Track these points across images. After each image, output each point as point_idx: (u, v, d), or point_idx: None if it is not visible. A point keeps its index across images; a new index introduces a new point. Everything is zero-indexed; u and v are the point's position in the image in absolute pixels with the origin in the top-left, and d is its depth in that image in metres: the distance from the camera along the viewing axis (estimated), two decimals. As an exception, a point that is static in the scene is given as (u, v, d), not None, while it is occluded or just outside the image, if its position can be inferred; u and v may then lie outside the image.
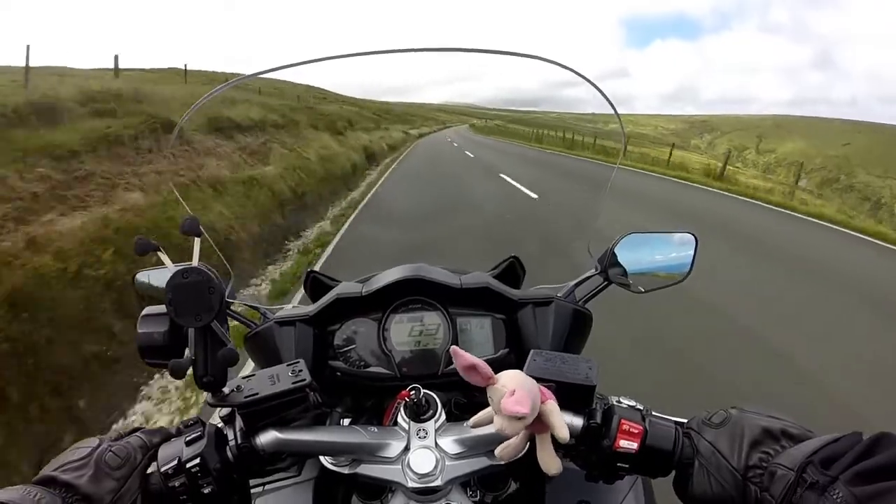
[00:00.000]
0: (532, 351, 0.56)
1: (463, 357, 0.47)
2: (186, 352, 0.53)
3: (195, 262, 0.52)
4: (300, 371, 0.56)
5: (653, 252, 0.81)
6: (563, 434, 0.48)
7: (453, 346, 0.49)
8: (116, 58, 10.86)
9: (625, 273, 0.78)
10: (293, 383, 0.54)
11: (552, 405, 0.49)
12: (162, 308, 0.62)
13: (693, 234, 0.81)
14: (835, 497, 0.38)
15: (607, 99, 0.69)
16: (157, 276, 0.78)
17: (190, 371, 0.51)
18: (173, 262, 0.53)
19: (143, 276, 0.79)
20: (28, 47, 8.07)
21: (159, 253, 0.53)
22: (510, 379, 0.48)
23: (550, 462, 0.49)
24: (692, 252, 0.80)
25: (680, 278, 0.80)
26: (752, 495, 0.45)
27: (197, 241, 0.52)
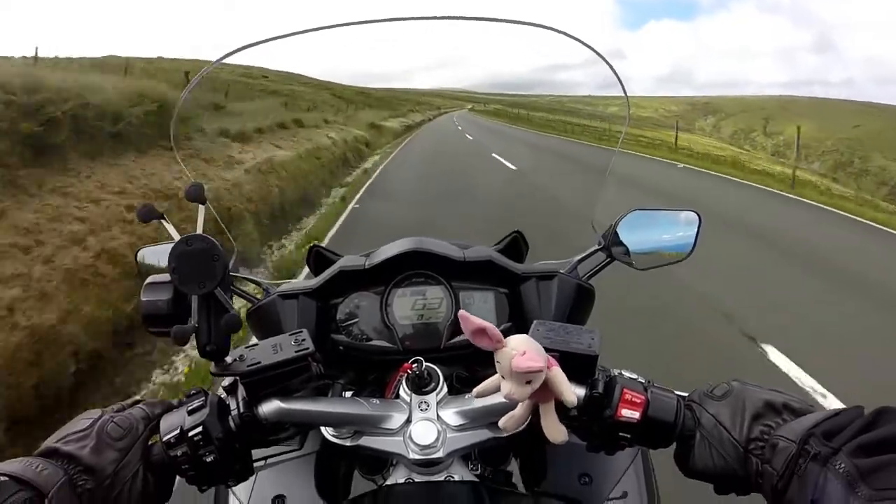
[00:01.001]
0: (535, 321, 0.56)
1: (472, 321, 0.47)
2: (190, 320, 0.52)
3: (199, 229, 0.51)
4: (303, 340, 0.56)
5: (656, 229, 0.80)
6: (571, 398, 0.48)
7: (461, 311, 0.48)
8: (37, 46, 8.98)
9: (627, 250, 0.78)
10: (296, 352, 0.54)
11: (557, 371, 0.49)
12: (166, 277, 0.61)
13: (696, 213, 0.80)
14: (837, 468, 0.39)
15: (615, 72, 0.68)
16: (160, 252, 0.77)
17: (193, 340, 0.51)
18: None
19: (144, 252, 0.79)
20: None
21: (163, 221, 0.52)
22: (519, 342, 0.48)
23: (556, 430, 0.49)
24: (695, 230, 0.80)
25: (682, 256, 0.81)
26: (753, 467, 0.45)
27: (201, 208, 0.52)
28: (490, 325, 0.47)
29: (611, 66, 0.67)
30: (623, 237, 0.77)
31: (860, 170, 35.54)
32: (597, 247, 0.79)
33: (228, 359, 0.53)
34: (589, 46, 0.63)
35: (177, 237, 0.50)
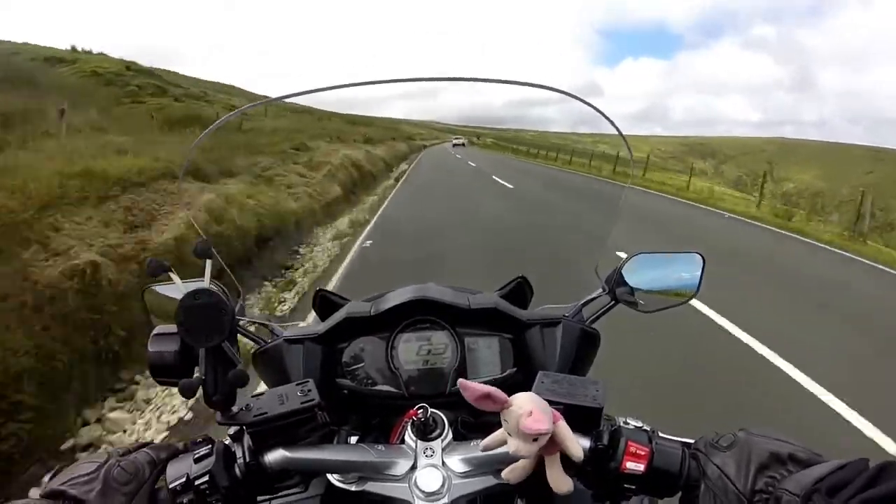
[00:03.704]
0: (539, 373, 0.56)
1: (473, 388, 0.48)
2: (196, 371, 0.53)
3: (207, 282, 0.52)
4: (309, 391, 0.56)
5: (660, 272, 0.81)
6: (578, 453, 0.49)
7: (461, 381, 0.49)
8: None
9: (632, 292, 0.78)
10: (302, 403, 0.55)
11: (563, 425, 0.49)
12: (173, 327, 0.61)
13: (700, 254, 0.81)
14: None
15: (613, 124, 0.71)
16: (167, 292, 0.77)
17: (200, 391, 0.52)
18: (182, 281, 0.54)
19: (151, 292, 0.79)
20: None
21: (171, 274, 0.53)
22: (525, 400, 0.48)
23: (561, 481, 0.50)
24: (699, 272, 0.80)
25: (687, 297, 0.81)
26: None
27: (208, 263, 0.53)
28: (493, 389, 0.48)
29: (619, 131, 0.72)
30: (628, 280, 0.78)
31: (883, 223, 31.05)
32: (601, 291, 0.80)
33: (235, 408, 0.54)
34: (602, 113, 0.68)
35: (183, 288, 0.52)
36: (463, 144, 60.61)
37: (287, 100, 0.68)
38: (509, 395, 0.49)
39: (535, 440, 0.47)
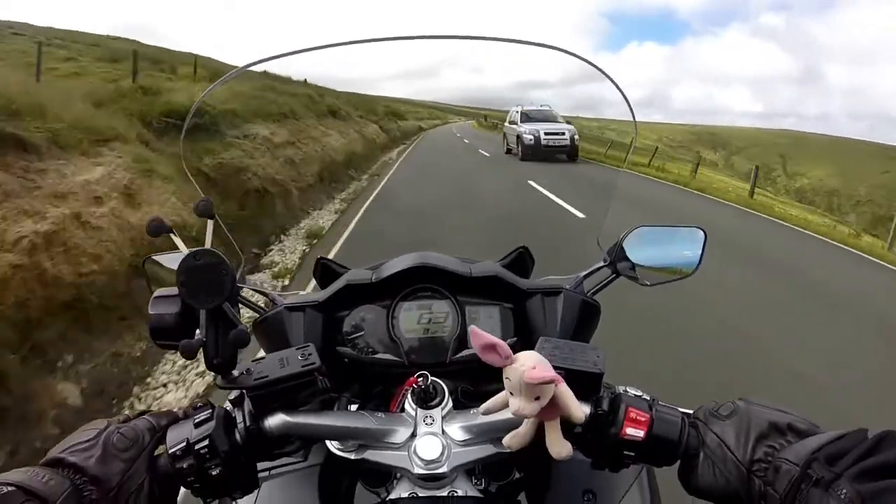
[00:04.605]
0: (540, 338, 0.56)
1: (482, 336, 0.48)
2: (197, 333, 0.52)
3: (208, 244, 0.52)
4: (310, 355, 0.56)
5: (662, 246, 0.80)
6: (579, 415, 0.49)
7: (472, 327, 0.49)
8: None
9: (633, 266, 0.78)
10: (303, 366, 0.54)
11: (565, 388, 0.49)
12: (174, 290, 0.61)
13: (702, 229, 0.80)
14: (839, 493, 0.39)
15: (626, 98, 0.70)
16: (168, 262, 0.76)
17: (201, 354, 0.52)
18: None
19: (153, 262, 0.78)
20: None
21: (172, 235, 0.53)
22: (528, 358, 0.48)
23: (560, 446, 0.50)
24: (701, 247, 0.80)
25: (688, 272, 0.80)
26: (756, 489, 0.45)
27: (210, 223, 0.53)
28: (500, 342, 0.48)
29: (624, 95, 0.69)
30: (629, 253, 0.78)
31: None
32: (602, 263, 0.79)
33: (235, 372, 0.54)
34: (603, 72, 0.66)
35: (185, 250, 0.51)
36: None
37: (294, 56, 0.64)
38: None
39: (538, 399, 0.47)
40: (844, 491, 0.38)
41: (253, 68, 0.66)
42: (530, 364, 0.47)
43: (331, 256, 1.16)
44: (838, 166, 41.50)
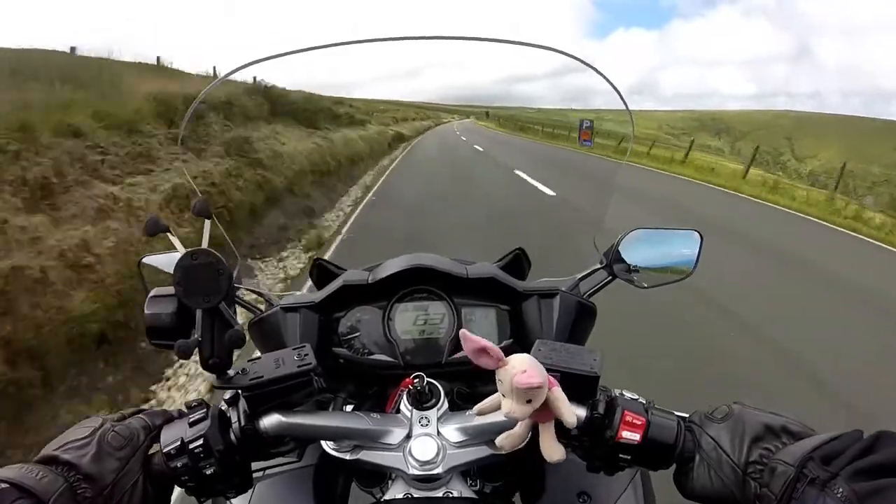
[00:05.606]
0: (537, 341, 0.56)
1: (473, 340, 0.48)
2: (193, 333, 0.52)
3: (205, 244, 0.52)
4: (305, 355, 0.56)
5: (658, 248, 0.80)
6: (571, 419, 0.48)
7: (462, 330, 0.49)
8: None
9: (629, 268, 0.78)
10: (298, 367, 0.54)
11: (558, 391, 0.49)
12: (170, 289, 0.61)
13: (698, 231, 0.80)
14: (835, 493, 0.39)
15: (619, 93, 0.69)
16: (163, 262, 0.76)
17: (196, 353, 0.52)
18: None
19: (149, 261, 0.78)
20: None
21: (169, 234, 0.52)
22: (520, 361, 0.48)
23: (554, 449, 0.49)
24: (697, 249, 0.80)
25: (684, 275, 0.80)
26: (752, 491, 0.45)
27: (207, 223, 0.53)
28: (491, 345, 0.48)
29: (618, 91, 0.68)
30: (625, 255, 0.78)
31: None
32: (599, 265, 0.80)
33: (231, 372, 0.54)
34: (596, 69, 0.65)
35: (181, 250, 0.51)
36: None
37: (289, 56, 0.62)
38: None
39: (529, 402, 0.47)
40: (840, 490, 0.38)
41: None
42: (521, 368, 0.47)
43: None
44: (846, 145, 40.72)
